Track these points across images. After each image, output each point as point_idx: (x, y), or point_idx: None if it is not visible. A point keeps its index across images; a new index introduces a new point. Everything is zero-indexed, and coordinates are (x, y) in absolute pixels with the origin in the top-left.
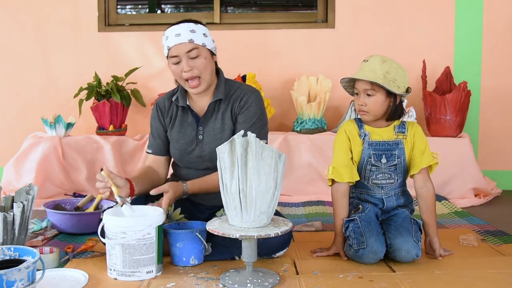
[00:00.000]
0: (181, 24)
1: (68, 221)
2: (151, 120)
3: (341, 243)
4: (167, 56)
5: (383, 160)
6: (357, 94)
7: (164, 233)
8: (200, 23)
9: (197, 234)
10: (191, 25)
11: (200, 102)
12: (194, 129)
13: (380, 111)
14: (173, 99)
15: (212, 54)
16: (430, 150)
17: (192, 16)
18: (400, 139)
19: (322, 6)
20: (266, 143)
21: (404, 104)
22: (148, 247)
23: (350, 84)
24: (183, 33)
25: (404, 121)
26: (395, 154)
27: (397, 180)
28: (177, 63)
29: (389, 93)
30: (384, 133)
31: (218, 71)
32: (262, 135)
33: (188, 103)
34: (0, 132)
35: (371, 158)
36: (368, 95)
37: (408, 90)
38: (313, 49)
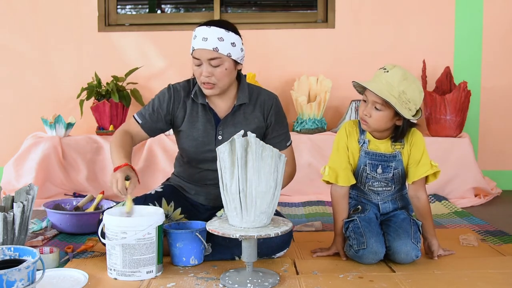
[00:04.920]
0: (212, 27)
1: (68, 221)
2: (159, 99)
3: (341, 243)
4: (191, 54)
5: (379, 171)
6: (364, 101)
7: (164, 233)
8: (233, 29)
9: (197, 234)
10: (221, 32)
11: (219, 103)
12: (213, 129)
13: (383, 127)
14: (192, 95)
15: (237, 63)
16: (428, 159)
17: (192, 16)
18: (398, 151)
19: (322, 6)
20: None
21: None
22: (148, 247)
23: (362, 85)
24: (210, 39)
25: None
26: (391, 166)
27: (394, 188)
28: (199, 65)
29: (396, 113)
30: (382, 145)
31: (239, 75)
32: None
33: (207, 101)
34: (0, 132)
35: (366, 167)
36: (376, 108)
37: (417, 113)
38: (313, 49)
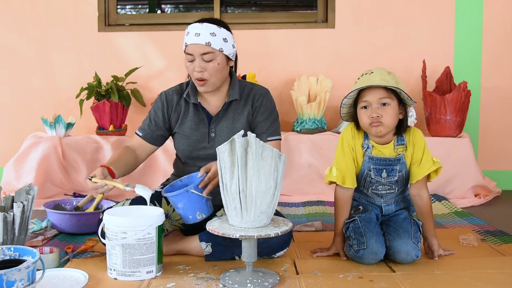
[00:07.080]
0: (204, 24)
1: (68, 221)
2: (154, 108)
3: (340, 243)
4: (184, 51)
5: (384, 175)
6: (365, 107)
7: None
8: (224, 26)
9: (192, 191)
10: (213, 28)
11: (211, 101)
12: (206, 127)
13: (394, 122)
14: (184, 96)
15: (229, 59)
16: (429, 155)
17: (192, 16)
18: (401, 154)
19: (322, 6)
20: (280, 138)
21: (413, 117)
22: (148, 247)
23: (348, 106)
24: (202, 34)
25: None
26: (396, 169)
27: (398, 190)
28: (191, 61)
29: (399, 104)
30: (385, 149)
31: (231, 72)
32: (279, 131)
33: (199, 100)
34: (0, 132)
35: (371, 172)
36: (384, 104)
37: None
38: (313, 49)
